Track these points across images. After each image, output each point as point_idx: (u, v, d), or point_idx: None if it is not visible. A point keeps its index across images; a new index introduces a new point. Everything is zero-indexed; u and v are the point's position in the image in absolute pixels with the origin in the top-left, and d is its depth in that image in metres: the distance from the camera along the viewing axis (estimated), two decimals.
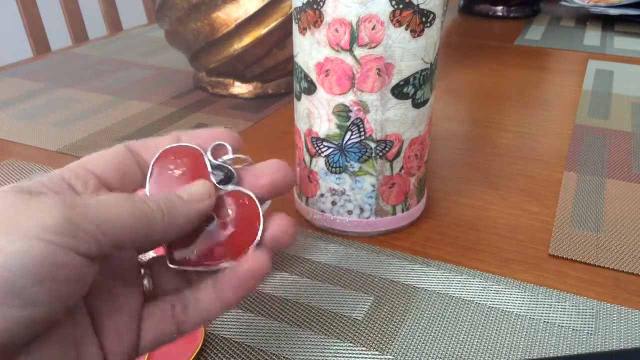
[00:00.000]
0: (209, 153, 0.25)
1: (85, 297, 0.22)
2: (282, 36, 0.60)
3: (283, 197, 0.44)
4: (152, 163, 0.25)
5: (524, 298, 0.34)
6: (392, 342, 0.31)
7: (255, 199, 0.25)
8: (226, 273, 0.25)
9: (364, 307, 0.33)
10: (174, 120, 0.60)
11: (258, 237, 0.25)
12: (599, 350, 0.30)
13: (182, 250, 0.25)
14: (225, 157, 0.25)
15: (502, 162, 0.51)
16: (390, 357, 0.30)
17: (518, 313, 0.33)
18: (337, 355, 0.30)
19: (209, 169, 0.25)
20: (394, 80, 0.35)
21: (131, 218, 0.21)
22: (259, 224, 0.25)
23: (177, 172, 0.25)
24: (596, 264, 0.37)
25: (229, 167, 0.25)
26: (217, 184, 0.25)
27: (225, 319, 0.32)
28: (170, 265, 0.25)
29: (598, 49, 0.85)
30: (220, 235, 0.25)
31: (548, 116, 0.61)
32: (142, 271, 0.25)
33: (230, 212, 0.25)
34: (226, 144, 0.26)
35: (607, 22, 1.00)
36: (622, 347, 0.31)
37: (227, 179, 0.25)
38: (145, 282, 0.24)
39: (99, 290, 0.23)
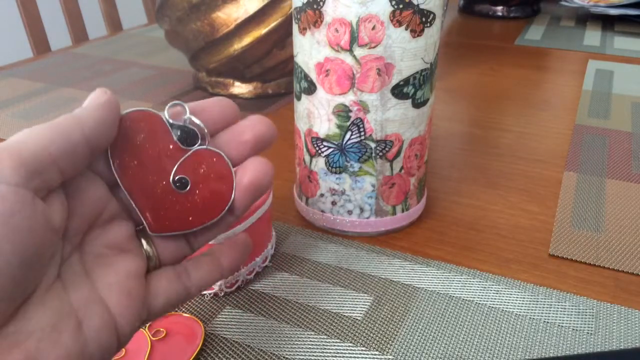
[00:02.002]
0: (166, 114, 0.25)
1: (82, 266, 0.22)
2: (282, 36, 0.60)
3: (283, 197, 0.44)
4: None
5: (524, 298, 0.34)
6: (392, 342, 0.31)
7: (222, 154, 0.25)
8: (222, 244, 0.27)
9: (364, 307, 0.33)
10: None
11: (233, 193, 0.25)
12: (599, 350, 0.30)
13: (160, 216, 0.24)
14: (185, 117, 0.25)
15: (502, 162, 0.51)
16: (390, 357, 0.30)
17: (518, 313, 0.33)
18: (337, 355, 0.30)
19: (170, 129, 0.25)
20: (394, 80, 0.35)
21: (47, 133, 0.20)
22: (232, 179, 0.25)
23: (138, 137, 0.24)
24: (596, 264, 0.37)
25: (191, 127, 0.25)
26: (181, 145, 0.25)
27: (225, 319, 0.32)
28: (151, 233, 0.24)
29: (598, 49, 0.85)
30: (195, 195, 0.25)
31: (548, 116, 0.61)
32: (143, 242, 0.25)
33: (201, 171, 0.25)
34: (183, 104, 0.25)
35: (607, 22, 1.00)
36: (622, 347, 0.31)
37: (192, 139, 0.25)
38: (146, 247, 0.24)
39: (96, 258, 0.23)
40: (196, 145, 0.25)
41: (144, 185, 0.24)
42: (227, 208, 0.25)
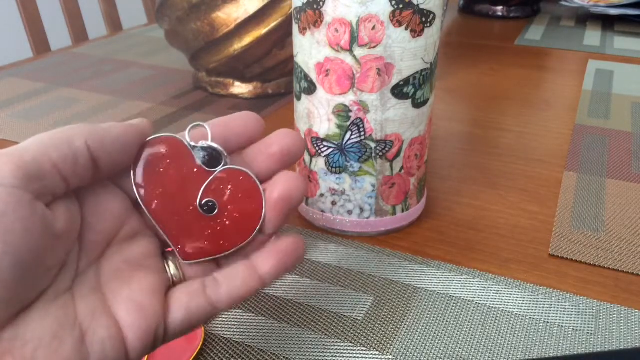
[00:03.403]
0: (187, 137, 0.24)
1: (97, 280, 0.22)
2: (282, 36, 0.60)
3: None
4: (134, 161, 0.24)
5: (524, 298, 0.34)
6: (392, 342, 0.31)
7: (248, 172, 0.25)
8: (263, 250, 0.25)
9: (364, 307, 0.33)
10: (174, 120, 0.60)
11: (263, 210, 0.24)
12: (599, 350, 0.30)
13: (191, 243, 0.24)
14: (208, 141, 0.24)
15: (502, 162, 0.51)
16: (390, 357, 0.30)
17: (518, 313, 0.33)
18: (337, 355, 0.30)
19: (192, 152, 0.24)
20: (394, 80, 0.35)
21: (49, 140, 0.20)
22: (261, 196, 0.25)
23: (160, 164, 0.24)
24: (596, 264, 0.37)
25: (214, 147, 0.24)
26: (205, 168, 0.24)
27: (225, 319, 0.32)
28: (184, 262, 0.24)
29: (598, 49, 0.85)
30: (224, 218, 0.24)
31: (548, 116, 0.61)
32: (171, 265, 0.24)
33: (227, 192, 0.24)
34: (204, 124, 0.25)
35: (607, 22, 1.00)
36: (622, 347, 0.31)
37: (215, 160, 0.24)
38: (173, 272, 0.24)
39: (112, 273, 0.22)
40: (220, 166, 0.24)
41: (171, 213, 0.24)
42: (258, 227, 0.25)
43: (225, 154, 0.25)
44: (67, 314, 0.20)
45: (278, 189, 0.25)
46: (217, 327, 0.32)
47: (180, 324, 0.23)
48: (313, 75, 0.36)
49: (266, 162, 0.25)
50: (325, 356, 0.30)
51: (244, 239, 0.25)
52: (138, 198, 0.23)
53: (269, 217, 0.25)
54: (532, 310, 0.33)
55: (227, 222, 0.24)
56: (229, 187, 0.24)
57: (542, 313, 0.33)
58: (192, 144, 0.24)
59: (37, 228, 0.19)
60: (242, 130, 0.25)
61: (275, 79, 0.65)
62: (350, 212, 0.39)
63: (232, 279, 0.24)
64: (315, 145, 0.38)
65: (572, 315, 0.33)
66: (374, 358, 0.30)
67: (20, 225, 0.18)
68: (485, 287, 0.35)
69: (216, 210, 0.24)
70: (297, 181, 0.25)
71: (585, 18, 1.04)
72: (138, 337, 0.21)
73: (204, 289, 0.24)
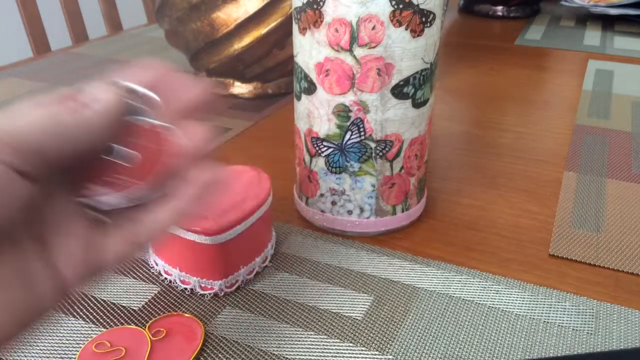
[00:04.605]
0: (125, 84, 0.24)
1: (31, 226, 0.22)
2: (282, 36, 0.60)
3: (283, 197, 0.44)
4: None
5: (524, 298, 0.34)
6: (392, 342, 0.31)
7: (163, 123, 0.25)
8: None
9: (364, 307, 0.33)
10: None
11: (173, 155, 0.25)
12: (599, 350, 0.30)
13: (96, 192, 0.24)
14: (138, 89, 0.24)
15: (502, 162, 0.51)
16: (390, 357, 0.30)
17: (518, 313, 0.33)
18: (337, 355, 0.30)
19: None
20: (394, 80, 0.35)
21: (43, 118, 0.20)
22: (169, 145, 0.25)
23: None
24: (596, 264, 0.37)
25: (138, 90, 0.24)
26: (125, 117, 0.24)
27: (225, 319, 0.32)
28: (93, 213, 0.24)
29: (598, 49, 0.85)
30: (129, 162, 0.24)
31: (548, 116, 0.61)
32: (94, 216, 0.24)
33: (136, 139, 0.24)
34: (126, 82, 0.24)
35: (607, 22, 1.00)
36: (622, 347, 0.31)
37: (134, 109, 0.24)
38: (93, 214, 0.24)
39: (45, 220, 0.23)
40: (136, 116, 0.24)
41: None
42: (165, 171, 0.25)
43: (142, 108, 0.25)
44: (9, 265, 0.20)
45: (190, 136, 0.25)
46: (217, 327, 0.32)
47: (112, 262, 0.23)
48: (313, 75, 0.36)
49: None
50: (325, 356, 0.30)
51: (145, 183, 0.24)
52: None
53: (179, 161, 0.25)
54: (532, 310, 0.33)
55: (132, 168, 0.24)
56: (139, 135, 0.24)
57: (542, 313, 0.33)
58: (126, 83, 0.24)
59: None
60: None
61: (275, 79, 0.65)
62: (350, 212, 0.39)
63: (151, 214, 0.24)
64: (315, 145, 0.38)
65: (572, 315, 0.33)
66: (374, 358, 0.30)
67: None
68: (485, 287, 0.35)
69: (120, 155, 0.24)
70: (203, 129, 0.26)
71: (585, 18, 1.04)
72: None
73: (128, 233, 0.24)
